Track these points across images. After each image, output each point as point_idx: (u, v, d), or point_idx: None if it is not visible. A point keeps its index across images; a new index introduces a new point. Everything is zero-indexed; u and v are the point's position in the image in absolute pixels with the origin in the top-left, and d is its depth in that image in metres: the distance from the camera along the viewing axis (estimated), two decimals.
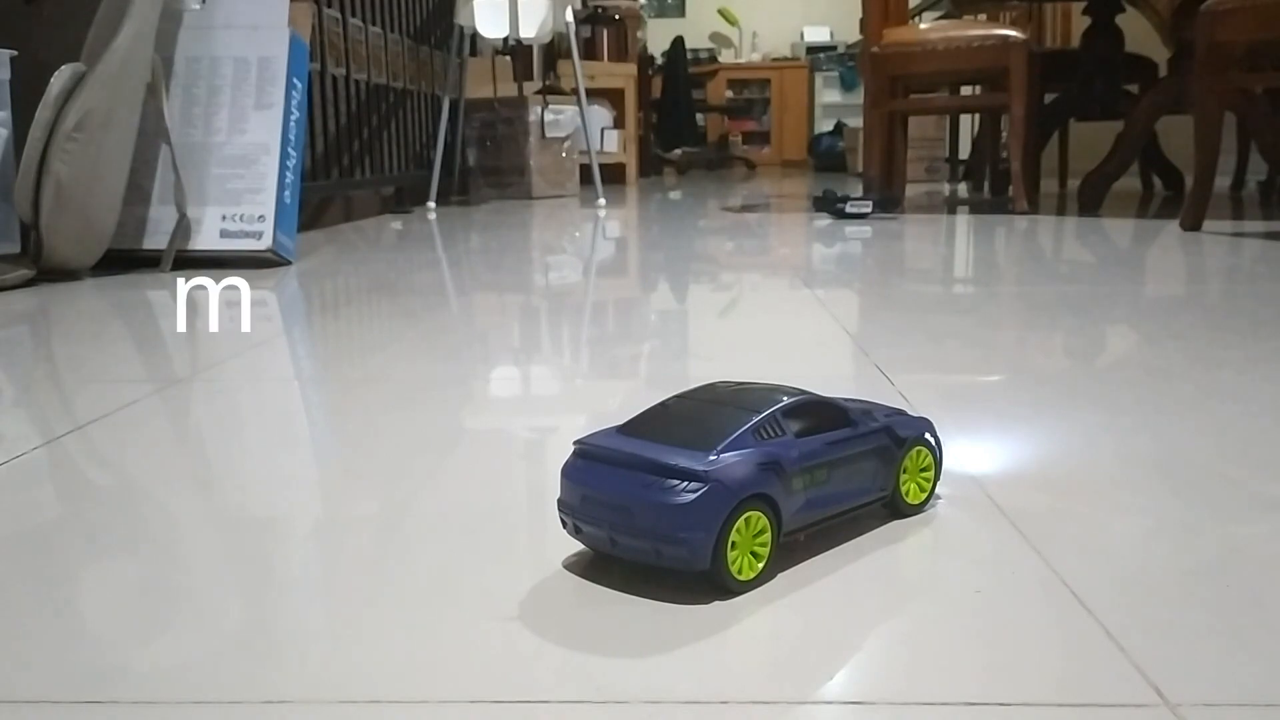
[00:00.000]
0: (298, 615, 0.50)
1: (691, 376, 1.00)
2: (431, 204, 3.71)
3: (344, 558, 0.57)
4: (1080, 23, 3.86)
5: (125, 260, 1.99)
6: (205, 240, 1.98)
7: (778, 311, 1.39)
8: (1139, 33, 4.10)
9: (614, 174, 5.36)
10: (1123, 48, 3.59)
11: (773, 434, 0.54)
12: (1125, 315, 1.31)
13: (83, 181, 1.79)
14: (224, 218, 1.98)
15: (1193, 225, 2.43)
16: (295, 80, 2.05)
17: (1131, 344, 1.13)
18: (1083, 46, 3.60)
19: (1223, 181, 4.08)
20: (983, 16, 4.35)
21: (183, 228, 1.96)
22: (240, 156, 2.00)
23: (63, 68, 1.78)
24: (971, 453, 0.74)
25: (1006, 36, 3.00)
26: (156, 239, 1.98)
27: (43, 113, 1.76)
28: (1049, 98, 3.77)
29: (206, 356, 1.14)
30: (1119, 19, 3.54)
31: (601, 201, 3.83)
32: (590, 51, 5.42)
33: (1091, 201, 3.20)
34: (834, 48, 8.93)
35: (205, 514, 0.64)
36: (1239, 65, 2.36)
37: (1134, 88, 3.69)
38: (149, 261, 1.98)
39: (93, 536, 0.61)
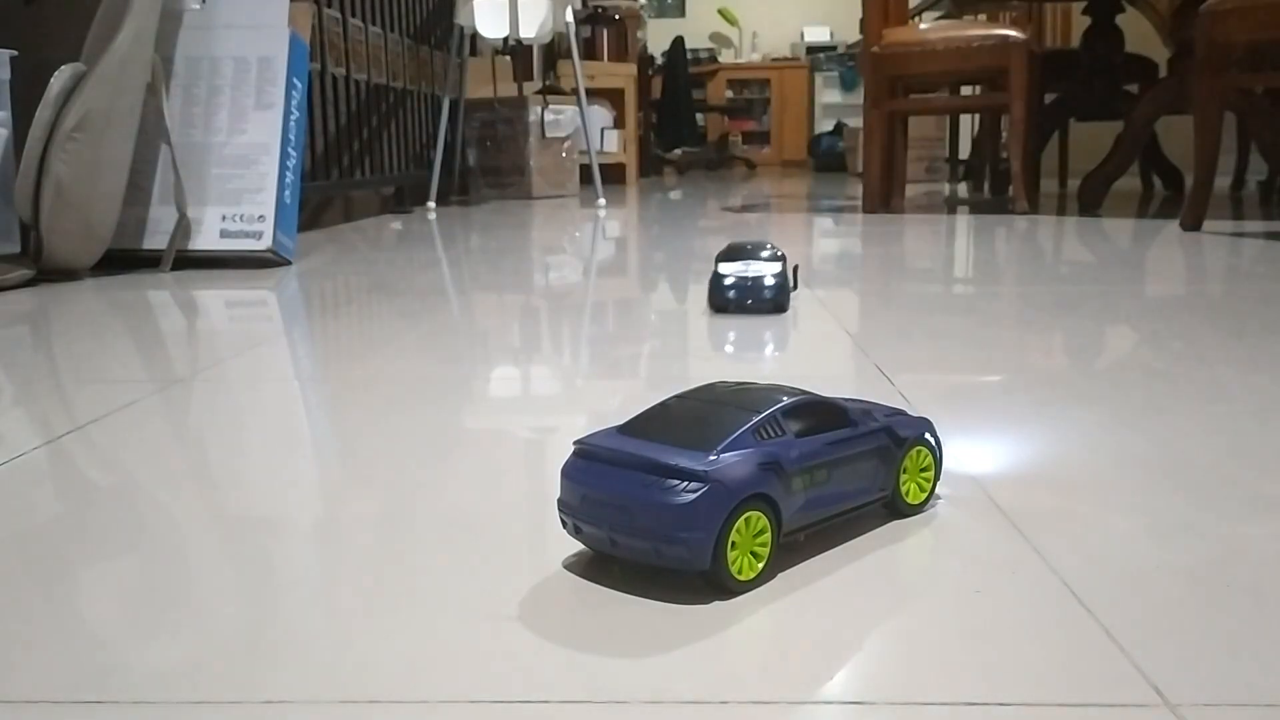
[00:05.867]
0: (297, 615, 0.50)
1: (692, 377, 1.00)
2: (431, 204, 3.72)
3: (343, 557, 0.57)
4: (1080, 23, 3.86)
5: (125, 260, 1.99)
6: (205, 240, 1.98)
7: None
8: (1139, 33, 4.10)
9: (614, 174, 5.36)
10: (1123, 48, 3.60)
11: (773, 434, 0.54)
12: (1126, 315, 1.31)
13: (83, 181, 1.79)
14: (224, 218, 1.98)
15: (1193, 225, 2.43)
16: (295, 80, 2.05)
17: (1132, 344, 1.13)
18: (1083, 46, 3.60)
19: (1223, 181, 4.08)
20: (983, 16, 4.35)
21: (183, 228, 1.96)
22: (240, 156, 2.00)
23: (63, 68, 1.78)
24: (971, 452, 0.74)
25: (1006, 36, 3.00)
26: (156, 239, 1.98)
27: (43, 113, 1.76)
28: (1049, 98, 3.77)
29: (206, 356, 1.14)
30: (1119, 19, 3.54)
31: (601, 201, 3.83)
32: (590, 51, 5.42)
33: (1092, 201, 3.20)
34: (834, 48, 8.93)
35: (205, 514, 0.64)
36: (1239, 65, 2.36)
37: (1134, 88, 3.69)
38: (149, 261, 1.98)
39: (92, 537, 0.61)
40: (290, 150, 2.02)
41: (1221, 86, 2.33)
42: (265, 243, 1.97)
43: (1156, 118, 3.13)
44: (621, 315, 1.38)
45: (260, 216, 1.98)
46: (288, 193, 2.01)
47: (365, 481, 0.70)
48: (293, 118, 2.03)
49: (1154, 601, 0.50)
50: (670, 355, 1.11)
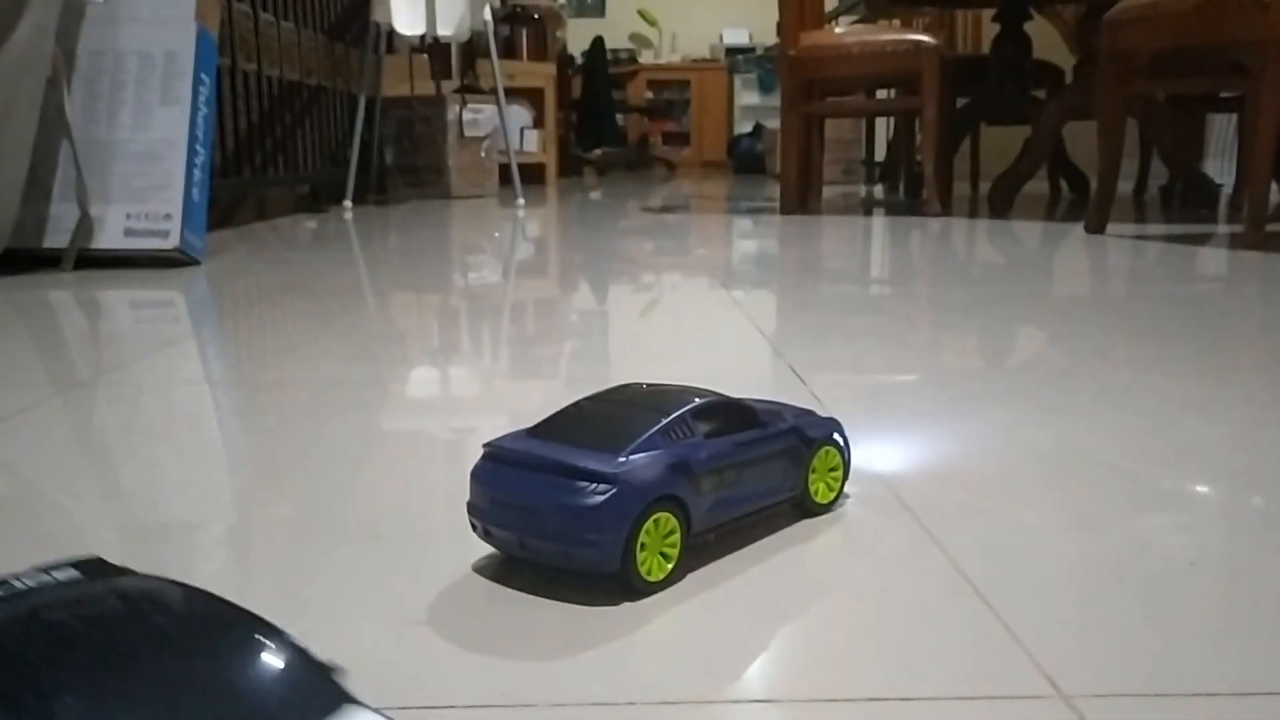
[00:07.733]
0: None
1: (611, 377, 1.00)
2: (348, 203, 3.66)
3: (254, 563, 0.56)
4: (990, 29, 3.95)
5: (24, 259, 1.93)
6: (109, 239, 1.92)
7: (695, 313, 1.39)
8: (1046, 40, 4.21)
9: (533, 174, 5.33)
10: (1030, 54, 3.68)
11: (682, 435, 0.54)
12: (1034, 316, 1.34)
13: None
14: (128, 216, 1.93)
15: (1097, 228, 2.51)
16: (203, 76, 2.00)
17: (1039, 344, 1.16)
18: (992, 53, 3.68)
19: (1125, 186, 4.21)
20: (896, 22, 4.42)
21: (85, 226, 1.90)
22: (145, 153, 1.95)
23: None
24: (880, 452, 0.75)
25: (919, 42, 3.06)
26: (57, 238, 1.91)
27: None
28: (961, 102, 3.85)
29: (110, 359, 1.10)
30: (1027, 26, 3.63)
31: (521, 202, 3.82)
32: (509, 50, 5.39)
33: (1002, 203, 3.27)
34: (753, 49, 9.00)
35: (110, 520, 0.62)
36: (1141, 72, 2.44)
37: (1042, 93, 3.78)
38: (49, 261, 1.92)
39: None
40: (198, 147, 1.98)
41: (1124, 93, 2.40)
42: (172, 241, 1.92)
43: (1063, 123, 3.21)
44: (541, 316, 1.37)
45: (167, 215, 1.93)
46: (196, 190, 1.97)
47: (276, 486, 0.69)
48: (201, 114, 1.99)
49: (1052, 595, 0.51)
50: (590, 356, 1.11)
